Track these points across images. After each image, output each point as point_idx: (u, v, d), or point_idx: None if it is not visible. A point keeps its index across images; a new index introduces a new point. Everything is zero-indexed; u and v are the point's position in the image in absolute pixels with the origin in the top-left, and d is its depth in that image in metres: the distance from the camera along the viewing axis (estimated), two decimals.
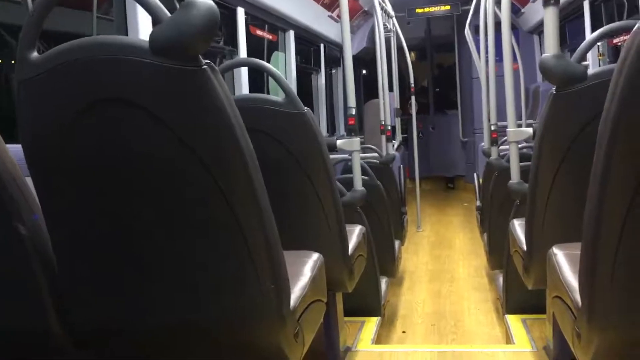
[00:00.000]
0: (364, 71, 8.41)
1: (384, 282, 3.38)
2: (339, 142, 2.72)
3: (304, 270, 1.59)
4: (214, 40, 3.52)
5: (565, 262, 1.48)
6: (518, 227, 2.23)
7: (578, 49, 1.69)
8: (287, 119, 1.94)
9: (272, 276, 1.27)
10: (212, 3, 1.08)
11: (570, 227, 1.50)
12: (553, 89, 1.70)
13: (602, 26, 4.00)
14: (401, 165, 5.73)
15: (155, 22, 1.08)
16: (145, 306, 1.31)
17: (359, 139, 2.71)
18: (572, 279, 1.37)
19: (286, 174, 2.00)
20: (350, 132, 2.79)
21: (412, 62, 7.10)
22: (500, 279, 3.21)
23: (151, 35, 1.07)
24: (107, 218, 1.25)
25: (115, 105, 1.14)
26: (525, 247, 2.03)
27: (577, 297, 1.27)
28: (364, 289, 2.88)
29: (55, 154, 1.20)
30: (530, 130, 2.67)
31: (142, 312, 1.31)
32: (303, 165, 1.97)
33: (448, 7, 7.52)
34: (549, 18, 1.85)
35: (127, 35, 2.52)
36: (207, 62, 1.10)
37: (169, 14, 1.07)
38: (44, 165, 1.22)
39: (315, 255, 1.71)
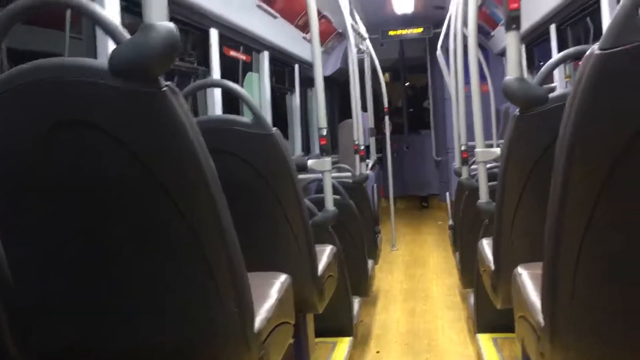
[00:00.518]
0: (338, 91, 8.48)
1: (356, 302, 3.37)
2: (310, 162, 2.73)
3: (271, 292, 1.58)
4: (190, 62, 3.52)
5: (529, 281, 1.50)
6: (486, 246, 2.25)
7: (539, 72, 1.73)
8: (256, 140, 1.94)
9: (236, 299, 1.27)
10: (173, 25, 1.08)
11: (535, 246, 1.52)
12: (516, 111, 1.73)
13: (567, 48, 4.10)
14: (375, 185, 5.75)
15: (116, 43, 1.08)
16: (107, 328, 1.29)
17: (330, 159, 2.72)
18: (535, 298, 1.38)
19: (255, 195, 1.99)
20: (322, 152, 2.80)
21: (386, 83, 7.18)
22: (472, 298, 3.22)
23: (110, 57, 1.07)
24: (69, 238, 1.24)
25: (76, 126, 1.13)
26: (492, 267, 2.05)
27: (540, 317, 1.28)
28: (335, 309, 2.87)
29: (17, 172, 1.19)
30: (498, 150, 2.71)
31: (103, 334, 1.29)
32: (272, 186, 1.97)
33: (420, 30, 7.66)
34: (511, 42, 1.89)
35: (95, 55, 2.51)
36: (167, 84, 1.10)
37: (128, 36, 1.07)
38: (5, 183, 1.20)
39: (282, 277, 1.70)
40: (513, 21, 1.86)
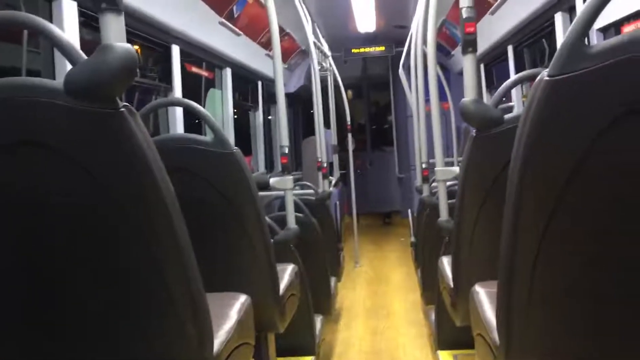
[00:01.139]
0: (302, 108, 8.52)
1: (319, 320, 3.36)
2: (271, 180, 2.72)
3: (230, 313, 1.57)
4: (151, 78, 3.49)
5: (486, 299, 1.52)
6: (446, 263, 2.28)
7: (494, 95, 1.78)
8: (216, 159, 1.93)
9: (194, 321, 1.25)
10: (130, 47, 1.07)
11: (493, 264, 1.55)
12: (473, 132, 1.77)
13: (524, 69, 4.22)
14: (338, 202, 5.78)
15: (71, 63, 1.07)
16: (59, 355, 1.25)
17: (291, 177, 2.72)
18: (491, 316, 1.40)
19: (215, 214, 1.98)
20: (284, 170, 2.81)
21: (349, 101, 7.24)
22: (433, 315, 3.25)
23: (66, 77, 1.05)
24: (22, 261, 1.20)
25: (31, 147, 1.11)
26: (452, 284, 2.07)
27: (496, 335, 1.30)
28: (297, 328, 2.86)
29: None
30: (457, 169, 2.76)
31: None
32: (232, 205, 1.96)
33: (383, 48, 7.78)
34: (468, 65, 1.94)
35: (54, 71, 2.47)
36: (125, 105, 1.08)
37: (85, 56, 1.06)
38: None
39: (242, 297, 1.69)
40: (469, 44, 1.91)
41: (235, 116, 5.90)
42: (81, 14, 2.47)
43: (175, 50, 3.53)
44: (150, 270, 1.19)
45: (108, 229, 1.16)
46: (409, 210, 6.53)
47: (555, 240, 1.08)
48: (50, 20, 2.21)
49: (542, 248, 1.09)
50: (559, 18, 3.28)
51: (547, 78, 1.00)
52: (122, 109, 1.07)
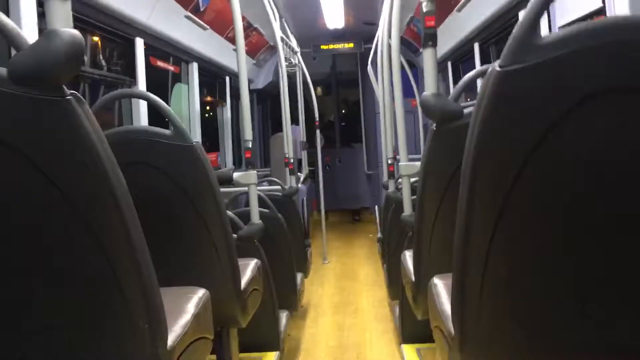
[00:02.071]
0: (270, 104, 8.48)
1: (284, 316, 3.35)
2: (235, 175, 2.70)
3: (187, 307, 1.54)
4: (116, 71, 3.42)
5: (443, 292, 1.53)
6: (408, 258, 2.29)
7: (454, 88, 1.78)
8: (175, 152, 1.90)
9: (146, 315, 1.22)
10: (77, 32, 1.04)
11: (452, 258, 1.56)
12: (433, 126, 1.77)
13: None
14: (305, 198, 5.77)
15: (16, 50, 1.03)
16: (6, 353, 1.21)
17: (255, 172, 2.70)
18: (447, 308, 1.41)
19: (174, 208, 1.95)
20: (247, 165, 2.78)
21: (318, 97, 7.24)
22: (397, 310, 3.27)
23: (10, 64, 1.02)
24: None
25: None
26: (413, 278, 2.08)
27: (451, 327, 1.30)
28: (262, 324, 2.84)
29: None
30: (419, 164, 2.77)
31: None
32: (192, 199, 1.93)
33: (352, 45, 7.79)
34: (428, 59, 1.95)
35: (9, 54, 2.40)
36: (72, 93, 1.05)
37: (29, 42, 1.03)
38: None
39: (200, 291, 1.67)
40: (429, 38, 1.91)
41: (210, 113, 5.85)
42: (39, 3, 2.41)
43: (139, 43, 3.47)
44: (100, 264, 1.16)
45: (55, 222, 1.13)
46: (376, 207, 6.56)
47: (507, 232, 1.09)
48: (6, 7, 2.15)
49: (493, 240, 1.09)
50: (522, 15, 3.32)
51: (498, 69, 1.00)
52: (69, 97, 1.04)
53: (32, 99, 1.03)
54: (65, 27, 1.05)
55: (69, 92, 1.05)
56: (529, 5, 1.01)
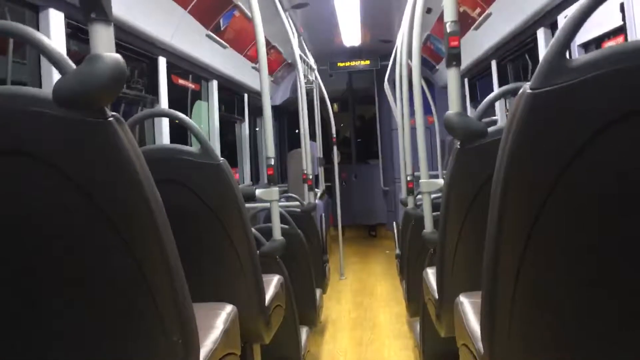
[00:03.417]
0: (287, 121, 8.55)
1: (304, 332, 3.36)
2: (257, 191, 2.73)
3: (216, 323, 1.57)
4: (137, 89, 3.49)
5: (470, 310, 1.54)
6: (431, 275, 2.30)
7: (478, 108, 1.81)
8: (202, 170, 1.93)
9: (180, 330, 1.25)
10: (119, 57, 1.08)
11: (477, 275, 1.57)
12: (457, 144, 1.79)
13: (507, 84, 4.28)
14: (323, 214, 5.78)
15: (61, 73, 1.07)
16: None
17: (277, 188, 2.73)
18: (475, 326, 1.42)
19: (201, 225, 1.98)
20: (269, 182, 2.81)
21: (335, 113, 7.28)
22: (418, 327, 3.26)
23: (55, 87, 1.06)
24: (3, 273, 1.20)
25: (17, 156, 1.11)
26: (436, 296, 2.09)
27: (480, 345, 1.31)
28: (283, 340, 2.86)
29: None
30: (441, 181, 2.79)
31: None
32: (218, 216, 1.96)
33: (368, 62, 7.85)
34: (452, 78, 1.97)
35: (40, 81, 2.47)
36: (113, 115, 1.09)
37: (74, 66, 1.07)
38: None
39: (228, 307, 1.69)
40: (453, 58, 1.94)
41: (221, 128, 5.91)
42: (67, 24, 2.48)
43: (162, 62, 3.54)
44: (137, 281, 1.19)
45: (94, 240, 1.16)
46: (394, 223, 6.55)
47: (537, 251, 1.10)
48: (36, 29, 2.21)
49: (524, 258, 1.11)
50: (541, 34, 3.34)
51: (529, 91, 1.02)
52: (111, 119, 1.08)
53: (75, 121, 1.06)
54: (108, 52, 1.09)
55: (110, 113, 1.09)
56: (560, 28, 1.03)
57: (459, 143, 1.79)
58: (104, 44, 1.11)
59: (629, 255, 1.07)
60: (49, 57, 1.07)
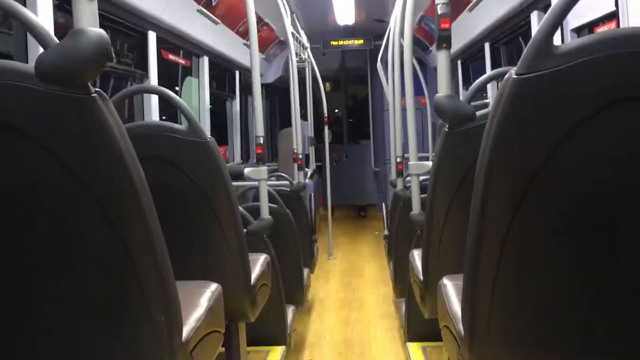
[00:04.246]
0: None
1: (290, 311, 3.38)
2: (246, 170, 2.72)
3: (200, 301, 1.57)
4: (127, 64, 3.45)
5: (452, 292, 1.55)
6: (417, 257, 2.31)
7: (468, 91, 1.80)
8: (190, 147, 1.92)
9: (163, 308, 1.25)
10: (103, 32, 1.06)
11: (461, 258, 1.58)
12: (446, 127, 1.79)
13: (501, 67, 4.27)
14: (313, 194, 5.79)
15: (43, 47, 1.06)
16: (24, 344, 1.24)
17: (265, 167, 2.72)
18: (457, 308, 1.43)
19: (188, 203, 1.98)
20: (259, 160, 2.81)
21: (327, 93, 7.25)
22: (404, 307, 3.29)
23: (37, 61, 1.04)
24: None
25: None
26: (421, 277, 2.10)
27: (461, 327, 1.32)
28: (269, 318, 2.87)
29: None
30: (430, 163, 2.79)
31: (19, 351, 1.24)
32: (205, 194, 1.96)
33: (361, 41, 7.79)
34: (442, 61, 1.96)
35: (26, 53, 2.43)
36: (97, 91, 1.08)
37: (57, 40, 1.05)
38: None
39: (213, 285, 1.69)
40: (444, 40, 1.93)
41: (212, 105, 5.87)
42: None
43: (152, 36, 3.50)
44: (121, 259, 1.18)
45: (77, 217, 1.15)
46: (383, 204, 6.58)
47: (520, 234, 1.11)
48: (24, 3, 2.17)
49: (506, 242, 1.11)
50: (534, 16, 3.33)
51: (514, 76, 1.02)
52: (94, 95, 1.07)
53: (58, 95, 1.05)
54: (92, 27, 1.08)
55: (94, 89, 1.08)
56: (547, 14, 1.02)
57: (447, 126, 1.79)
58: (87, 18, 1.09)
59: (610, 241, 1.08)
60: (32, 30, 1.06)
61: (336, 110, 9.57)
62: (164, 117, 3.85)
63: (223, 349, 2.32)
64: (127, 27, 3.27)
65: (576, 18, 2.78)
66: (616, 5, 2.36)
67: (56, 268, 1.20)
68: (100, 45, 1.04)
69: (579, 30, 2.84)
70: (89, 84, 1.07)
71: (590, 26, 2.75)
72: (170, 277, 1.28)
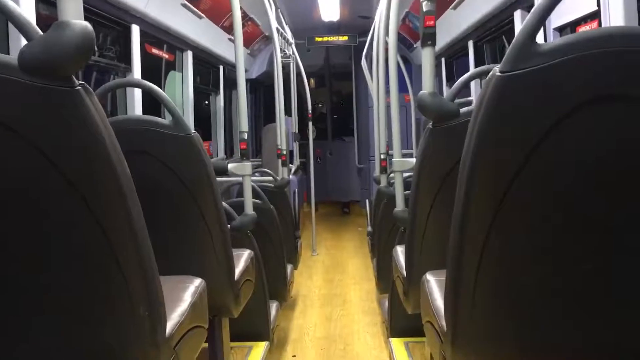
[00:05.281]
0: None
1: (274, 307, 3.38)
2: (230, 166, 2.72)
3: (184, 296, 1.57)
4: (110, 57, 3.42)
5: (435, 288, 1.57)
6: (400, 253, 2.33)
7: (451, 88, 1.81)
8: (174, 142, 1.91)
9: (147, 303, 1.25)
10: (88, 25, 1.06)
11: (444, 255, 1.59)
12: (429, 124, 1.80)
13: (484, 64, 4.30)
14: (297, 190, 5.79)
15: (27, 39, 1.05)
16: (5, 337, 1.23)
17: (250, 163, 2.72)
18: (440, 304, 1.44)
19: (171, 198, 1.97)
20: (242, 156, 2.80)
21: (311, 89, 7.24)
22: (386, 303, 3.31)
23: (20, 53, 1.03)
24: None
25: None
26: (405, 273, 2.12)
27: (443, 322, 1.34)
28: (252, 314, 2.87)
29: None
30: (414, 160, 2.80)
31: (1, 347, 1.23)
32: (189, 189, 1.95)
33: (346, 38, 7.79)
34: (426, 58, 1.97)
35: (7, 45, 2.40)
36: (81, 83, 1.07)
37: (40, 32, 1.04)
38: None
39: (197, 281, 1.69)
40: (428, 38, 1.94)
41: (205, 102, 5.84)
42: None
43: (135, 30, 3.47)
44: (104, 253, 1.18)
45: (61, 211, 1.14)
46: (367, 200, 6.60)
47: (502, 231, 1.12)
48: None
49: (489, 238, 1.13)
50: (518, 15, 3.36)
51: (498, 74, 1.03)
52: (78, 87, 1.06)
53: (42, 88, 1.04)
54: (76, 19, 1.07)
55: (77, 82, 1.07)
56: (531, 13, 1.04)
57: (431, 123, 1.80)
58: (71, 10, 1.08)
59: (591, 235, 1.10)
60: (15, 21, 1.04)
61: (319, 105, 9.57)
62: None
63: (206, 344, 2.32)
64: (111, 20, 3.24)
65: (559, 17, 2.81)
66: (598, 5, 2.39)
67: (38, 262, 1.19)
68: (85, 38, 1.04)
69: (561, 30, 2.88)
70: (73, 77, 1.06)
71: (573, 25, 2.78)
72: (154, 272, 1.27)
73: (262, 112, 8.56)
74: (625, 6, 2.15)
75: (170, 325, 1.38)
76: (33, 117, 1.07)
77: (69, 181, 1.11)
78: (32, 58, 1.03)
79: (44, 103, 1.06)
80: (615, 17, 2.20)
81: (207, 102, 5.92)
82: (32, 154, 1.08)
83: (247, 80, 7.38)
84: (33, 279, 1.21)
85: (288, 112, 5.89)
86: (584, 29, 2.71)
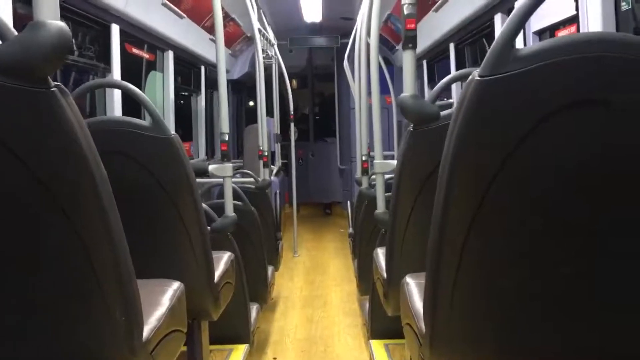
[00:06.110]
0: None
1: (254, 309, 3.37)
2: (210, 167, 2.70)
3: (162, 300, 1.55)
4: (88, 57, 3.37)
5: (415, 290, 1.57)
6: (381, 255, 2.33)
7: (432, 91, 1.82)
8: (153, 143, 1.89)
9: (123, 307, 1.23)
10: (64, 25, 1.04)
11: (424, 257, 1.60)
12: (410, 127, 1.81)
13: (465, 67, 4.33)
14: (278, 191, 5.77)
15: (1, 39, 1.03)
16: None
17: (230, 164, 2.70)
18: (419, 307, 1.45)
19: (151, 200, 1.95)
20: (223, 157, 2.78)
21: (294, 90, 7.23)
22: (367, 305, 3.31)
23: None
24: None
25: None
26: (385, 275, 2.12)
27: (422, 324, 1.34)
28: (232, 316, 2.85)
29: None
30: (395, 162, 2.81)
31: None
32: (168, 191, 1.93)
33: (328, 39, 7.80)
34: (407, 60, 1.98)
35: None
36: (57, 85, 1.05)
37: (15, 33, 1.02)
38: None
39: (175, 284, 1.67)
40: (410, 41, 1.95)
41: (182, 102, 5.80)
42: None
43: (115, 29, 3.43)
44: (79, 257, 1.16)
45: (35, 214, 1.12)
46: (349, 202, 6.60)
47: (481, 234, 1.12)
48: None
49: (467, 241, 1.13)
50: (498, 19, 3.39)
51: (477, 78, 1.03)
52: (54, 89, 1.04)
53: (17, 89, 1.02)
54: (52, 19, 1.05)
55: (53, 83, 1.05)
56: (509, 18, 1.04)
57: (411, 125, 1.81)
58: (47, 10, 1.06)
59: (570, 238, 1.11)
60: None
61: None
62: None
63: (185, 348, 2.30)
64: (90, 19, 3.20)
65: (538, 21, 2.84)
66: (577, 9, 2.42)
67: (12, 265, 1.17)
68: (61, 39, 1.02)
69: (540, 33, 2.90)
70: (49, 78, 1.05)
71: (552, 29, 2.81)
72: (131, 276, 1.26)
73: (244, 113, 8.53)
74: (603, 11, 2.18)
75: (147, 329, 1.36)
76: (7, 119, 1.05)
77: (44, 183, 1.09)
78: (8, 59, 1.01)
79: (19, 105, 1.04)
80: (593, 21, 2.22)
81: (187, 102, 5.88)
82: (6, 156, 1.06)
83: (229, 81, 7.37)
84: (6, 282, 1.18)
85: (270, 113, 5.87)
86: (562, 33, 2.74)
